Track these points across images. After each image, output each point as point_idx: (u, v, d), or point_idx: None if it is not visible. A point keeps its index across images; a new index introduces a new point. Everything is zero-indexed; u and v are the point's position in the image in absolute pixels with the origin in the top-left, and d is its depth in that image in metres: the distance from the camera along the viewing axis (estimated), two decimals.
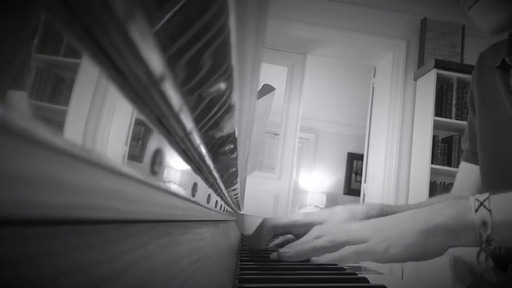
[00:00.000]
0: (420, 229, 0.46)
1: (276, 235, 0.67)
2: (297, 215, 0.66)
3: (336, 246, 0.50)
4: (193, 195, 0.30)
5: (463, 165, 0.79)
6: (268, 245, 0.67)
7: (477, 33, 2.70)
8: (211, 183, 0.41)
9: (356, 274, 0.44)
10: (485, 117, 0.71)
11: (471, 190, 0.74)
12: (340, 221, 0.61)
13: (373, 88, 2.96)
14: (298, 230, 0.62)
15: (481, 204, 0.45)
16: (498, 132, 0.68)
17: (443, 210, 0.47)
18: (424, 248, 0.46)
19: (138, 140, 0.16)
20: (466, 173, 0.77)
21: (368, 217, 0.61)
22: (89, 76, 0.11)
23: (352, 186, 4.78)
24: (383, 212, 0.63)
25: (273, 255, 0.55)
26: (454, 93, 2.42)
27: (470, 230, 0.45)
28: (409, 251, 0.46)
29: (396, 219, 0.51)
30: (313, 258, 0.52)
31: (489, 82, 0.72)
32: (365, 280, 0.41)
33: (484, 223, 0.44)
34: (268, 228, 0.62)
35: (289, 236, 0.66)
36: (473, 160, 0.76)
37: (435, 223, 0.46)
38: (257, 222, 0.65)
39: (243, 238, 0.98)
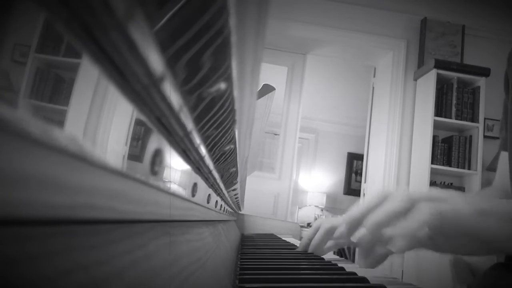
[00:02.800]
0: None
1: None
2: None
3: (412, 201, 0.40)
4: (193, 195, 0.30)
5: (502, 154, 0.73)
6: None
7: (477, 33, 2.70)
8: (211, 183, 0.41)
9: (356, 274, 0.44)
10: None
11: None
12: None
13: (373, 88, 2.96)
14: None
15: None
16: None
17: None
18: None
19: (138, 140, 0.16)
20: (505, 162, 0.71)
21: None
22: (89, 76, 0.11)
23: (352, 186, 4.78)
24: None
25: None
26: (454, 93, 2.42)
27: None
28: (503, 230, 0.38)
29: (494, 201, 0.42)
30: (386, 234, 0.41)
31: None
32: (365, 280, 0.41)
33: None
34: (327, 229, 0.58)
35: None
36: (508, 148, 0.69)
37: None
38: (257, 222, 0.65)
39: (243, 238, 0.98)
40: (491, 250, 0.41)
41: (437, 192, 0.42)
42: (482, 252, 0.42)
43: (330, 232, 0.59)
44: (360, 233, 0.45)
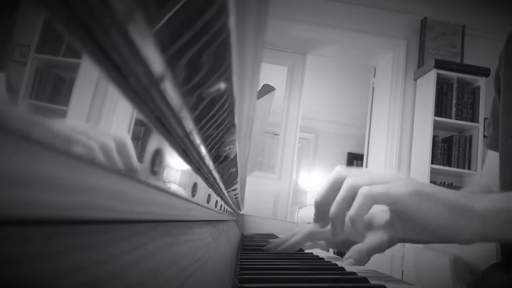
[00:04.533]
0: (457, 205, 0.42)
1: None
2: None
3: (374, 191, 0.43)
4: (193, 195, 0.30)
5: (488, 152, 0.75)
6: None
7: (477, 33, 2.70)
8: (211, 183, 0.41)
9: (356, 274, 0.44)
10: (510, 97, 0.66)
11: (497, 177, 0.69)
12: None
13: (373, 88, 2.96)
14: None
15: None
16: None
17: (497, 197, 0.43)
18: (456, 226, 0.41)
19: (138, 140, 0.16)
20: (491, 160, 0.73)
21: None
22: (89, 76, 0.11)
23: None
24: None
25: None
26: (454, 93, 2.42)
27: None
28: (450, 220, 0.41)
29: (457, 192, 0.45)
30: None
31: None
32: (365, 280, 0.41)
33: None
34: (304, 235, 0.62)
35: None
36: (496, 147, 0.71)
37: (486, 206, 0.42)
38: (257, 222, 0.66)
39: (243, 238, 0.98)
40: (438, 237, 0.44)
41: (381, 176, 0.45)
42: (432, 239, 0.44)
43: (309, 237, 0.62)
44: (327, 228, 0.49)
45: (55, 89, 0.10)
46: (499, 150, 0.68)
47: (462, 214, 0.42)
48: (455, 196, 0.43)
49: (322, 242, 0.66)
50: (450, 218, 0.42)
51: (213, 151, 0.30)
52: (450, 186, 2.47)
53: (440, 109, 2.42)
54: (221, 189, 0.49)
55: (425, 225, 0.43)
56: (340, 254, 3.61)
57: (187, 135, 0.21)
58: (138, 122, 0.15)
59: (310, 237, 0.63)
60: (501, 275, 0.59)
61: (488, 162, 0.74)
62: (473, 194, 0.46)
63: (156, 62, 0.13)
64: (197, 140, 0.23)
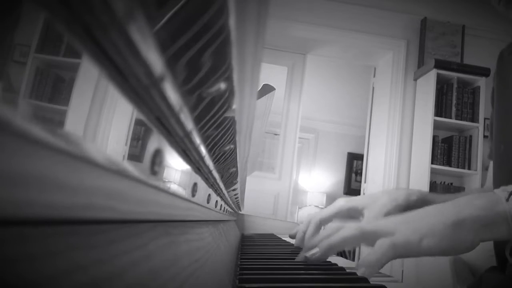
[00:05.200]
0: (450, 221, 0.45)
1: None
2: (339, 202, 0.66)
3: (365, 235, 0.47)
4: (193, 195, 0.30)
5: (490, 163, 0.77)
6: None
7: (477, 33, 2.70)
8: (211, 183, 0.41)
9: (356, 274, 0.44)
10: (502, 110, 0.70)
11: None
12: (383, 204, 0.61)
13: (373, 88, 2.96)
14: (342, 217, 0.63)
15: (511, 194, 0.44)
16: None
17: (473, 201, 0.46)
18: (455, 241, 0.44)
19: (138, 140, 0.16)
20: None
21: (409, 202, 0.61)
22: (89, 76, 0.11)
23: (352, 186, 4.78)
24: (422, 197, 0.62)
25: (300, 258, 0.53)
26: (454, 93, 2.42)
27: (502, 220, 0.44)
28: (441, 244, 0.44)
29: (423, 212, 0.48)
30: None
31: (508, 75, 0.70)
32: (365, 280, 0.41)
33: None
34: (316, 223, 0.63)
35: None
36: None
37: (465, 215, 0.45)
38: (257, 222, 0.66)
39: (243, 238, 0.98)
40: (445, 253, 0.46)
41: (385, 224, 0.48)
42: (441, 254, 0.47)
43: (320, 226, 0.64)
44: (312, 251, 0.50)
45: (55, 89, 0.10)
46: (493, 157, 0.70)
47: (457, 228, 0.44)
48: (445, 213, 0.46)
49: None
50: (449, 237, 0.44)
51: (213, 151, 0.30)
52: (450, 186, 2.47)
53: (440, 109, 2.42)
54: (221, 189, 0.49)
55: (427, 253, 0.45)
56: (340, 254, 3.60)
57: (187, 135, 0.21)
58: (138, 122, 0.15)
59: (321, 223, 0.64)
60: (498, 275, 0.60)
61: (490, 173, 0.76)
62: (457, 199, 0.48)
63: (156, 62, 0.13)
64: (197, 140, 0.23)
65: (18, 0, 0.08)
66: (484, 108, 2.39)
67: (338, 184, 4.82)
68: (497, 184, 0.66)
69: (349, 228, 0.48)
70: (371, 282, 0.41)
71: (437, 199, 0.60)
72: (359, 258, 1.77)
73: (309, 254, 0.49)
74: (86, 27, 0.10)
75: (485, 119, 2.44)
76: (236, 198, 0.86)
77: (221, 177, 0.43)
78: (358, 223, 0.51)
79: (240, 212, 1.32)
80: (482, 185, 2.41)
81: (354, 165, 4.81)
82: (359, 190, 3.04)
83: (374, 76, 2.95)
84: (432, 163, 2.32)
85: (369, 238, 0.47)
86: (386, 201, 0.62)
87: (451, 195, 0.67)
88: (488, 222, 0.44)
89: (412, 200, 0.61)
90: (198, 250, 0.28)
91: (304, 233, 0.65)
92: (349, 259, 3.08)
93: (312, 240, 0.52)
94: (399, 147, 2.55)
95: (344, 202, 0.65)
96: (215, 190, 0.46)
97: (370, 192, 2.76)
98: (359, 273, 0.44)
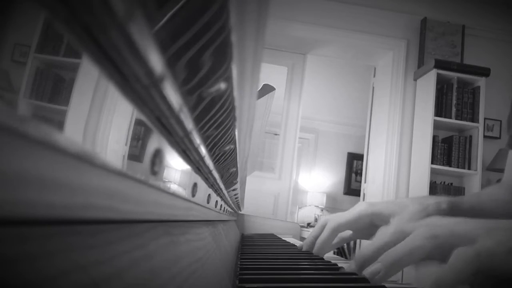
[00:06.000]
0: None
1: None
2: (361, 206, 0.58)
3: (440, 245, 0.37)
4: (193, 195, 0.30)
5: (510, 152, 0.72)
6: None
7: (477, 33, 2.70)
8: (211, 183, 0.41)
9: (356, 274, 0.44)
10: None
11: None
12: (413, 212, 0.54)
13: (373, 88, 2.96)
14: (363, 224, 0.56)
15: None
16: None
17: None
18: None
19: (138, 140, 0.16)
20: None
21: (439, 211, 0.54)
22: (89, 76, 0.11)
23: (352, 186, 4.78)
24: (454, 204, 0.56)
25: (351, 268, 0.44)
26: (454, 93, 2.42)
27: None
28: None
29: (508, 224, 0.38)
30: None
31: None
32: (365, 280, 0.41)
33: None
34: (333, 229, 0.56)
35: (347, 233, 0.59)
36: None
37: None
38: (257, 222, 0.65)
39: (243, 238, 0.98)
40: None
41: (464, 229, 0.38)
42: None
43: (336, 233, 0.58)
44: (373, 268, 0.41)
45: (55, 89, 0.10)
46: None
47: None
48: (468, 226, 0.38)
49: (349, 234, 0.61)
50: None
51: (213, 151, 0.30)
52: (450, 186, 2.47)
53: (440, 109, 2.43)
54: (221, 189, 0.49)
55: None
56: (340, 254, 3.60)
57: (187, 135, 0.21)
58: (138, 122, 0.15)
59: (338, 229, 0.58)
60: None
61: (510, 161, 0.72)
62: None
63: (156, 62, 0.13)
64: (197, 140, 0.23)
65: (18, 0, 0.08)
66: (484, 108, 2.39)
67: (338, 184, 4.82)
68: None
69: (418, 236, 0.38)
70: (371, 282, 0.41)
71: (466, 203, 0.55)
72: None
73: (368, 272, 0.40)
74: (86, 27, 0.10)
75: (485, 119, 2.45)
76: (236, 198, 0.86)
77: (221, 177, 0.43)
78: (426, 227, 0.39)
79: (240, 212, 1.32)
80: (483, 185, 2.41)
81: (354, 165, 4.81)
82: (359, 190, 3.03)
83: (374, 76, 2.95)
84: (432, 163, 2.32)
85: (444, 247, 0.37)
86: (416, 210, 0.55)
87: (477, 195, 0.62)
88: None
89: (443, 209, 0.55)
90: (198, 250, 0.28)
91: (315, 238, 0.59)
92: (349, 259, 3.08)
93: (366, 250, 0.43)
94: (399, 147, 2.55)
95: (367, 206, 0.59)
96: (215, 190, 0.46)
97: (370, 192, 2.76)
98: None
